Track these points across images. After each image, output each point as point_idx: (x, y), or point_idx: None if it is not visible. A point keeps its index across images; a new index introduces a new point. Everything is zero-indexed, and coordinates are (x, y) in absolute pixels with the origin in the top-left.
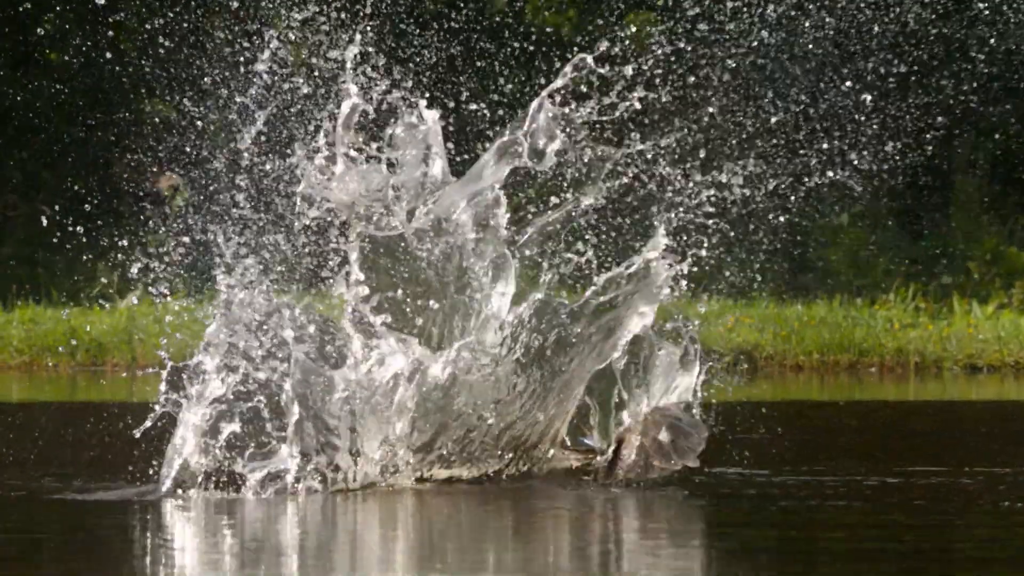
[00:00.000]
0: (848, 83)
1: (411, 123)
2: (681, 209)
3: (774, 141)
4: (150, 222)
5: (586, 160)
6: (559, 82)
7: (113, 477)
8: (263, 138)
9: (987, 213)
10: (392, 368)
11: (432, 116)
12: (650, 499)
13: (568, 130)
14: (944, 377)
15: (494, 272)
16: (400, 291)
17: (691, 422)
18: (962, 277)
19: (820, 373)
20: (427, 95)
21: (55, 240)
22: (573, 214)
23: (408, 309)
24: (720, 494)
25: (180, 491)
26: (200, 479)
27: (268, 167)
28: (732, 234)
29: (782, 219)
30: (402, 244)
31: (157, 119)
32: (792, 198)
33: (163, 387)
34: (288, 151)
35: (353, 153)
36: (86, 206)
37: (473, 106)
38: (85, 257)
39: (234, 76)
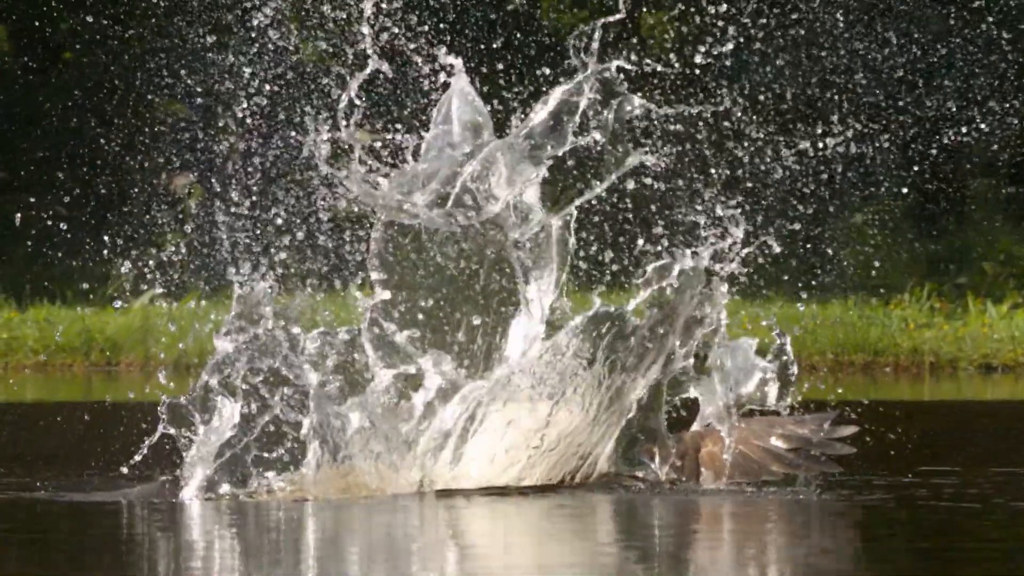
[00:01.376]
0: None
1: (446, 91)
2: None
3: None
4: (163, 222)
5: (653, 116)
6: (618, 15)
7: (123, 478)
8: (277, 113)
9: (1002, 213)
10: (422, 397)
11: (458, 65)
12: (663, 502)
13: (622, 85)
14: (959, 377)
15: (535, 265)
16: (430, 300)
17: (818, 433)
18: (977, 277)
19: (835, 373)
20: (447, 39)
21: (69, 240)
22: (618, 182)
23: (444, 321)
24: (731, 494)
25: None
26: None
27: (272, 154)
28: (831, 208)
29: (904, 190)
30: (429, 241)
31: (168, 118)
32: (916, 164)
33: (162, 411)
34: (295, 127)
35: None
36: (99, 206)
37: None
38: (99, 257)
39: (232, 37)
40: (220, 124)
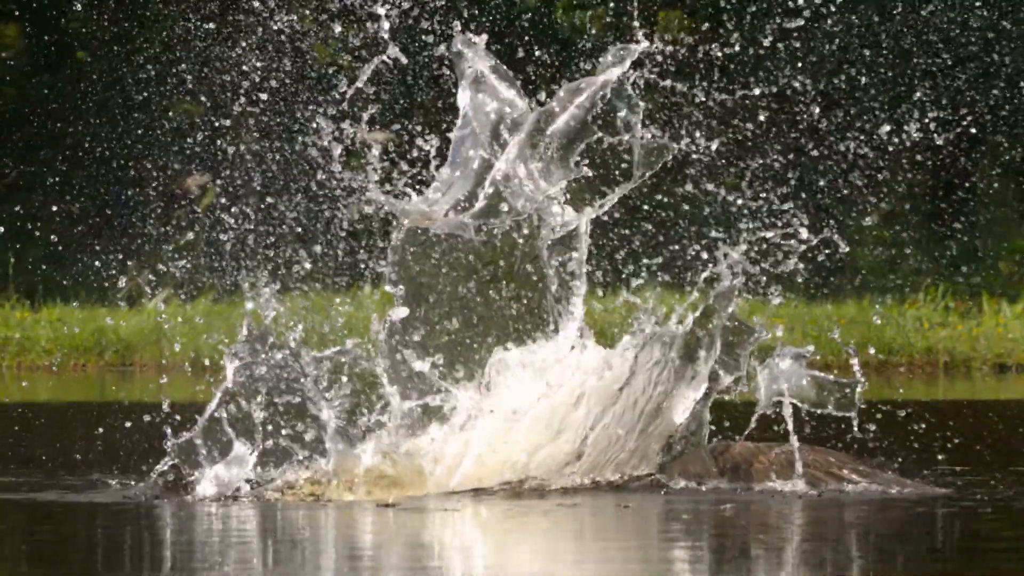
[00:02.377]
0: None
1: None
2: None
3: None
4: (172, 227)
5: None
6: None
7: (135, 479)
8: (286, 111)
9: (1017, 212)
10: (456, 437)
11: (480, 43)
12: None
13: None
14: (973, 376)
15: (567, 266)
16: (455, 321)
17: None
18: (992, 276)
19: (849, 372)
20: (464, 16)
21: (82, 241)
22: (654, 159)
23: (470, 343)
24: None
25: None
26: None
27: (281, 155)
28: (920, 212)
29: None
30: (451, 251)
31: (181, 118)
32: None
33: (169, 446)
34: (302, 123)
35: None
36: (112, 207)
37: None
38: (111, 258)
39: (232, 26)
40: (217, 126)
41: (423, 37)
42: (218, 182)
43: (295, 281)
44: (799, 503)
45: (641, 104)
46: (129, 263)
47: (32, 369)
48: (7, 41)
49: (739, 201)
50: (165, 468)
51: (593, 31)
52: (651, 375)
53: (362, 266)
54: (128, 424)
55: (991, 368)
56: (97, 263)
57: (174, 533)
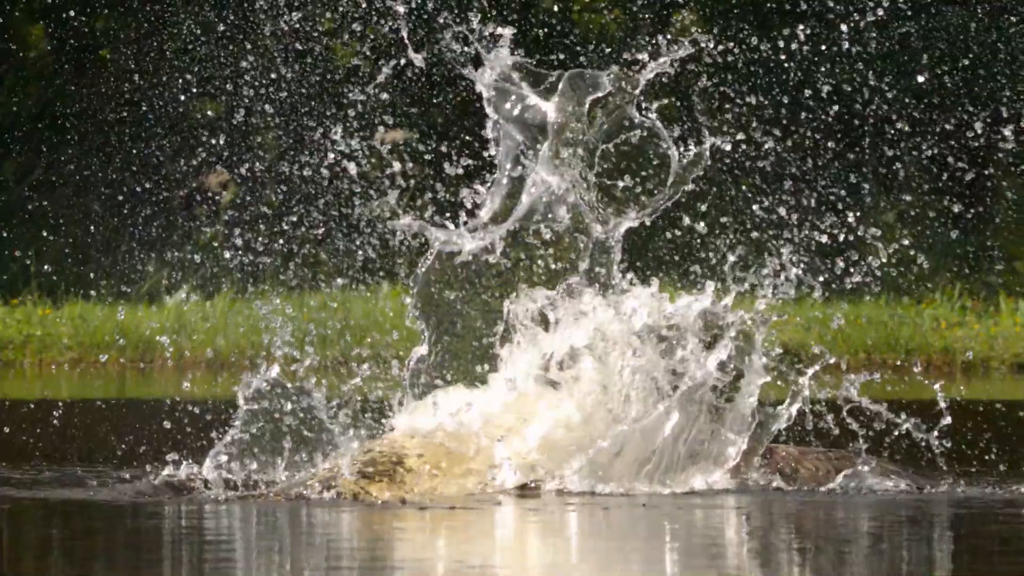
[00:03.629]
0: None
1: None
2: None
3: None
4: (198, 220)
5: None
6: None
7: (155, 477)
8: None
9: None
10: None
11: (506, 36)
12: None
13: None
14: (991, 376)
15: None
16: (487, 365)
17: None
18: (1008, 276)
19: (866, 372)
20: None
21: (104, 238)
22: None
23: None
24: (751, 498)
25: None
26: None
27: (297, 163)
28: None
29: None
30: (476, 276)
31: (203, 116)
32: None
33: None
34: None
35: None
36: (134, 204)
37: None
38: (132, 255)
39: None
40: (230, 140)
41: (439, 34)
42: (234, 186)
43: (311, 283)
44: (829, 503)
45: (653, 107)
46: (150, 262)
47: (53, 366)
48: (32, 40)
49: (790, 212)
50: (177, 470)
51: (612, 18)
52: (689, 412)
53: (378, 265)
54: (147, 422)
55: (1009, 368)
56: (118, 261)
57: (181, 532)
